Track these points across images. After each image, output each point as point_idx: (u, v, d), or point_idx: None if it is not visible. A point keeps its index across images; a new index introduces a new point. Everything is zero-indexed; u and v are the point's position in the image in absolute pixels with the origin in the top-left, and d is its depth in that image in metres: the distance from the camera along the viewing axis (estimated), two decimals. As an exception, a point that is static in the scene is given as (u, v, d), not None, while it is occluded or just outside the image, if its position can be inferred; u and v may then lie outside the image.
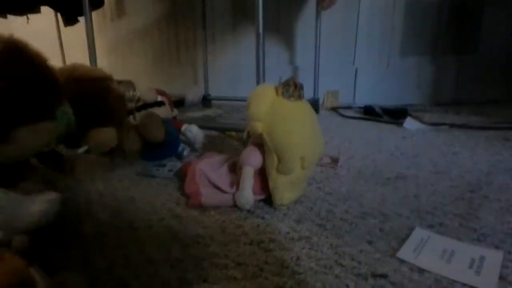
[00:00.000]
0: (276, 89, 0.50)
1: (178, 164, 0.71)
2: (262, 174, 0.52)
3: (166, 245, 0.42)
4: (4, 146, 0.34)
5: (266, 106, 0.48)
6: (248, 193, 0.49)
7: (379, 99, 1.53)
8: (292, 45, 1.66)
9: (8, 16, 1.48)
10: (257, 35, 0.78)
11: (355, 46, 1.58)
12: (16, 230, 0.31)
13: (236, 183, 0.52)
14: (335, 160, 0.74)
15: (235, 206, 0.51)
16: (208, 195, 0.52)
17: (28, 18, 1.53)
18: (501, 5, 1.46)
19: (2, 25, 1.75)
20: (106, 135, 0.47)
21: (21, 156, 0.37)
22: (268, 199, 0.52)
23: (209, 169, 0.54)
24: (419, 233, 0.44)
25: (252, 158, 0.51)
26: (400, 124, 1.13)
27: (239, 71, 1.73)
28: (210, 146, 0.88)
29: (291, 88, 0.49)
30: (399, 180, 0.63)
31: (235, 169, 0.54)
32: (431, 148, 0.84)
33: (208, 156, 0.60)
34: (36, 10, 1.53)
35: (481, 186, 0.59)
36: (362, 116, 1.33)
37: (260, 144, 0.51)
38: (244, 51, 1.73)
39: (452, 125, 1.08)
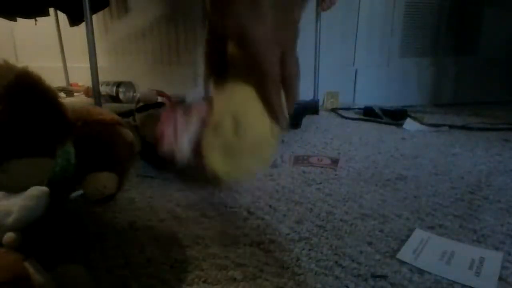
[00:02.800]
0: None
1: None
2: None
3: (166, 246, 0.42)
4: None
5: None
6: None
7: (379, 100, 1.53)
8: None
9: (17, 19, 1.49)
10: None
11: (355, 47, 1.58)
12: (2, 228, 0.31)
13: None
14: (335, 162, 0.74)
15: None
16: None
17: (36, 21, 1.53)
18: (501, 6, 1.47)
19: (5, 24, 1.75)
20: (106, 181, 0.43)
21: (9, 188, 0.33)
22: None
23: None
24: (419, 234, 0.44)
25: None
26: (400, 125, 1.14)
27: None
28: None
29: None
30: (399, 181, 0.63)
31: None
32: (431, 149, 0.84)
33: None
34: (45, 13, 1.53)
35: (481, 187, 0.60)
36: (362, 117, 1.33)
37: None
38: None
39: (452, 126, 1.08)
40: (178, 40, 1.87)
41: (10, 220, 0.30)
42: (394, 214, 0.50)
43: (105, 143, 0.45)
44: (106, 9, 1.79)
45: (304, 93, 1.45)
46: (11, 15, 1.45)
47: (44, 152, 0.36)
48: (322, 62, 1.44)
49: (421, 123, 1.14)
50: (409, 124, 1.13)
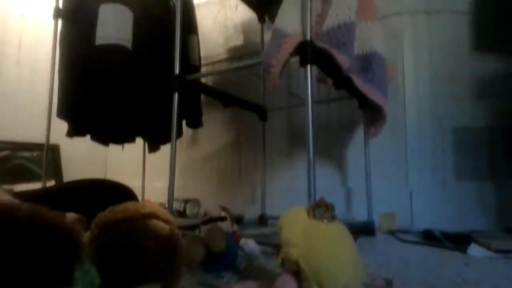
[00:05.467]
0: (307, 211, 0.49)
1: (235, 277, 0.76)
2: None
3: None
4: None
5: (299, 230, 0.46)
6: None
7: (439, 223, 1.48)
8: (344, 168, 1.76)
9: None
10: (308, 162, 0.91)
11: (407, 169, 1.63)
12: None
13: None
14: (389, 283, 0.73)
15: None
16: None
17: (123, 147, 1.90)
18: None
19: (101, 151, 2.16)
20: None
21: None
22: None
23: None
24: None
25: (286, 286, 0.46)
26: (463, 251, 1.08)
27: (293, 193, 1.84)
28: (265, 262, 0.92)
29: (322, 209, 0.48)
30: (460, 307, 0.60)
31: None
32: (497, 276, 0.79)
33: (243, 282, 0.57)
34: (132, 141, 1.90)
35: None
36: (421, 240, 1.28)
37: (295, 272, 0.46)
38: (297, 175, 1.88)
39: (523, 253, 1.00)
40: (240, 163, 2.10)
41: None
42: None
43: (130, 246, 0.36)
44: (182, 138, 2.13)
45: (359, 214, 1.48)
46: (105, 142, 1.81)
47: (56, 283, 0.29)
48: (375, 184, 1.51)
49: (488, 248, 1.07)
50: (474, 250, 1.07)
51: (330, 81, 1.36)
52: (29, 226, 0.28)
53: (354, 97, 1.40)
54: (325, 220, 0.48)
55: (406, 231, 1.47)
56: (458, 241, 1.18)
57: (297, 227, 0.47)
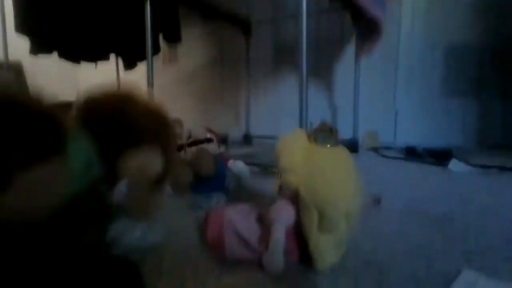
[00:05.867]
0: (309, 136, 0.46)
1: (224, 197, 0.75)
2: (295, 231, 0.45)
3: (217, 271, 0.45)
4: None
5: (299, 156, 0.44)
6: (278, 257, 0.42)
7: (421, 140, 1.51)
8: (332, 87, 1.71)
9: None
10: (301, 79, 0.84)
11: (395, 87, 1.60)
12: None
13: (265, 240, 0.45)
14: (377, 199, 0.74)
15: (260, 264, 0.45)
16: (233, 248, 0.47)
17: (96, 64, 1.74)
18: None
19: (71, 70, 1.99)
20: (145, 158, 0.35)
21: (24, 212, 0.28)
22: (304, 257, 0.46)
23: (237, 218, 0.49)
24: (467, 275, 0.43)
25: (283, 215, 0.44)
26: (444, 165, 1.11)
27: (278, 111, 1.80)
28: (253, 182, 0.92)
29: (325, 133, 0.45)
30: (446, 221, 0.62)
31: (263, 220, 0.48)
32: (479, 190, 0.82)
33: (235, 205, 0.55)
34: (106, 58, 1.74)
35: (535, 231, 0.57)
36: (404, 157, 1.31)
37: (292, 198, 0.45)
38: (283, 92, 1.82)
39: (501, 168, 1.04)
40: (223, 82, 2.00)
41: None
42: (441, 254, 0.49)
43: (117, 119, 0.36)
44: (160, 55, 1.97)
45: (344, 132, 1.48)
46: (76, 60, 1.65)
47: (45, 155, 0.29)
48: (362, 102, 1.48)
49: (468, 164, 1.11)
50: (455, 165, 1.10)
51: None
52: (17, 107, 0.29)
53: (348, 9, 1.27)
54: (328, 145, 0.45)
55: (388, 148, 1.50)
56: (439, 157, 1.21)
57: (297, 154, 0.45)
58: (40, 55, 1.48)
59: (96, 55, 1.67)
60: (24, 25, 1.37)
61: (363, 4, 1.03)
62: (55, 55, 1.54)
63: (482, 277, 0.43)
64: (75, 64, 1.66)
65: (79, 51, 1.59)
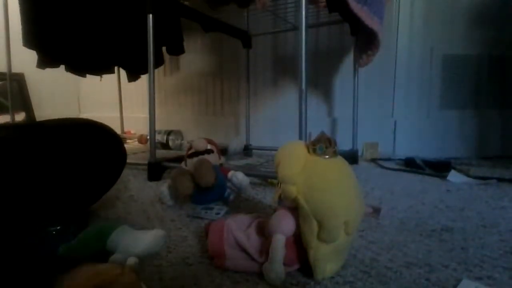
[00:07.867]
0: (308, 147, 0.46)
1: (225, 208, 0.75)
2: (295, 241, 0.45)
3: (217, 281, 0.45)
4: None
5: (299, 165, 0.44)
6: (279, 267, 0.43)
7: (420, 151, 1.52)
8: (331, 98, 1.73)
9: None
10: (300, 90, 0.86)
11: (393, 98, 1.62)
12: (131, 254, 0.40)
13: (265, 250, 0.45)
14: (376, 210, 0.75)
15: (261, 274, 0.45)
16: (233, 258, 0.47)
17: (101, 77, 1.76)
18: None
19: (75, 80, 2.01)
20: None
21: None
22: (304, 267, 0.46)
23: (237, 228, 0.49)
24: (466, 284, 0.43)
25: (283, 224, 0.45)
26: (444, 177, 1.12)
27: (278, 123, 1.82)
28: (253, 192, 0.92)
29: (323, 144, 0.45)
30: (445, 232, 0.62)
31: (263, 231, 0.48)
32: (478, 202, 0.82)
33: (235, 215, 0.55)
34: (111, 71, 1.76)
35: (534, 241, 0.57)
36: (403, 168, 1.32)
37: (292, 207, 0.45)
38: (283, 105, 1.83)
39: (500, 179, 1.04)
40: (223, 93, 2.02)
41: (137, 249, 0.41)
42: (440, 264, 0.49)
43: None
44: (160, 67, 2.00)
45: (343, 143, 1.49)
46: (82, 72, 1.67)
47: None
48: (361, 113, 1.49)
49: (467, 175, 1.11)
50: (454, 176, 1.11)
51: (322, 3, 1.24)
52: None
53: (347, 21, 1.30)
54: (326, 156, 0.45)
55: (388, 159, 1.51)
56: (438, 168, 1.22)
57: (296, 164, 0.45)
58: (47, 69, 1.51)
59: (101, 68, 1.70)
60: (33, 40, 1.40)
61: (362, 15, 1.06)
62: (61, 68, 1.57)
63: (482, 286, 0.43)
64: (81, 77, 1.69)
65: (85, 64, 1.61)
